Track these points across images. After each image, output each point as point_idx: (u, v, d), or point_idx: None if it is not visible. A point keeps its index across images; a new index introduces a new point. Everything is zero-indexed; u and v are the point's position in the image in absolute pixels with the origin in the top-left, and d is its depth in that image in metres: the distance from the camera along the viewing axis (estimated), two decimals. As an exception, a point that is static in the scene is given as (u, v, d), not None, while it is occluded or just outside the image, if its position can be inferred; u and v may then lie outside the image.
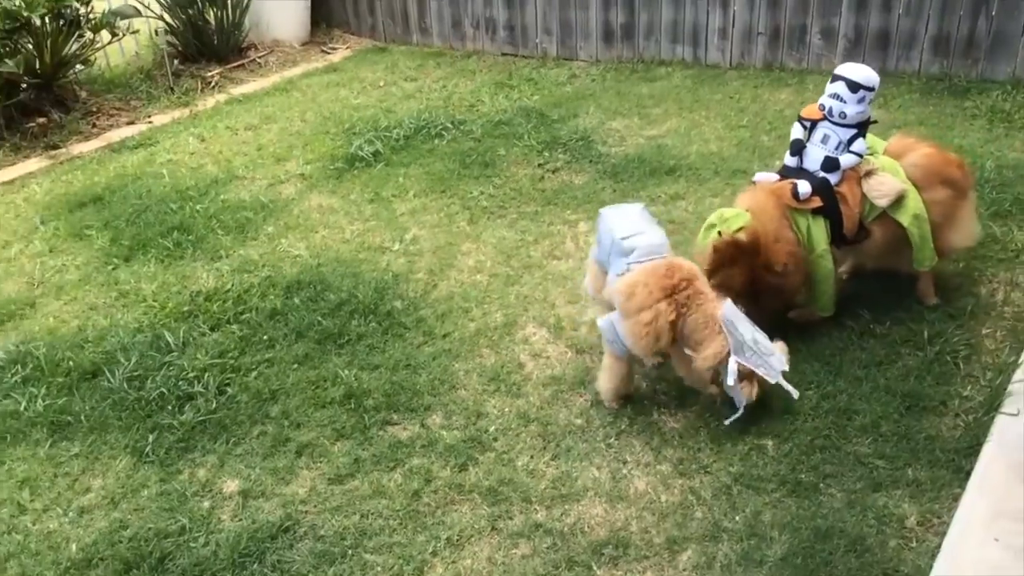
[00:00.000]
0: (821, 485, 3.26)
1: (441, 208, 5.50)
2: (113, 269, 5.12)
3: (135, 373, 4.12)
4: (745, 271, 3.65)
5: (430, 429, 3.72)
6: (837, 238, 3.88)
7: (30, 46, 6.85)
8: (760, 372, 3.45)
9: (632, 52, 7.85)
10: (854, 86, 3.77)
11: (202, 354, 4.23)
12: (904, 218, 3.82)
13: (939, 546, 2.90)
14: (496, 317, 4.39)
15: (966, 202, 3.99)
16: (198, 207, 5.72)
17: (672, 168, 5.71)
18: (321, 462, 3.59)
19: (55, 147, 6.92)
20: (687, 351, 3.49)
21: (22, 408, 3.96)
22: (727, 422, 3.52)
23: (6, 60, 6.48)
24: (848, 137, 3.84)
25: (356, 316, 4.45)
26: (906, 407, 3.54)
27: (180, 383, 4.04)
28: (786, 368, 3.50)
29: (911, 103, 6.32)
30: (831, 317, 4.03)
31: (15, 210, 5.99)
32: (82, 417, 3.90)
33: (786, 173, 3.93)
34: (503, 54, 8.41)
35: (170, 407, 3.91)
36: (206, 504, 3.43)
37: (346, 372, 4.05)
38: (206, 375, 4.07)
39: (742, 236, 3.64)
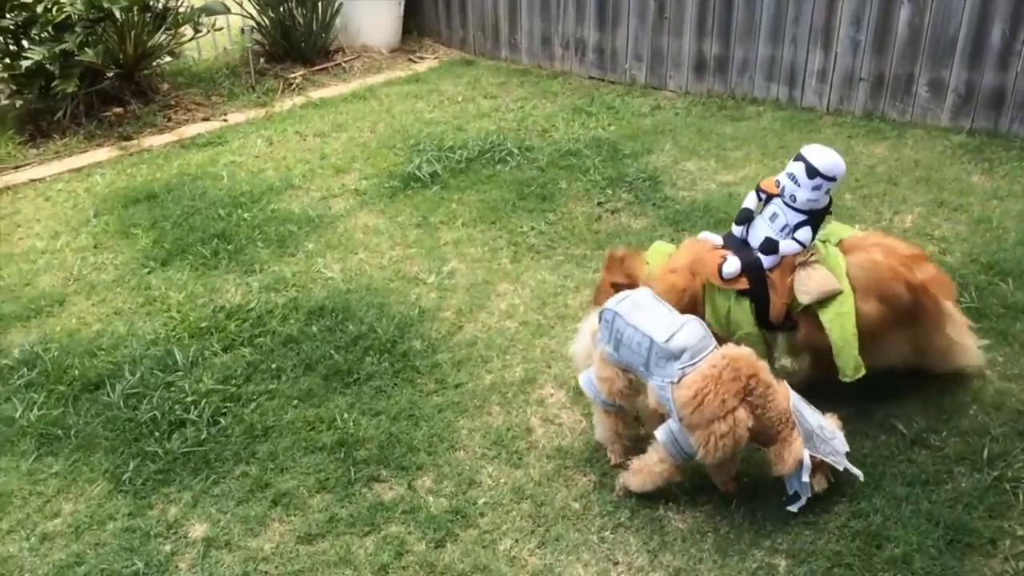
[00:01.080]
0: (831, 624, 2.85)
1: (487, 241, 5.23)
2: (148, 273, 5.04)
3: (135, 390, 4.00)
4: (607, 285, 3.69)
5: (416, 492, 3.45)
6: (763, 323, 3.58)
7: (115, 36, 6.89)
8: (829, 460, 3.15)
9: (724, 87, 7.41)
10: (812, 171, 3.40)
11: (207, 376, 4.07)
12: (825, 315, 3.45)
13: None
14: (516, 371, 4.09)
15: (915, 326, 3.55)
16: (246, 215, 5.61)
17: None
18: (295, 516, 3.36)
19: (128, 138, 6.95)
20: (759, 448, 3.17)
21: (17, 415, 3.88)
22: (794, 508, 3.16)
23: (87, 49, 6.53)
24: (796, 222, 3.50)
25: (371, 353, 4.22)
26: (948, 540, 3.08)
27: (176, 407, 3.89)
28: (847, 449, 3.20)
29: (1020, 172, 5.70)
30: (879, 421, 3.58)
31: (74, 200, 6.02)
32: (72, 433, 3.79)
33: (727, 241, 3.68)
34: (590, 77, 8.09)
35: (159, 433, 3.76)
36: (167, 548, 3.25)
37: (345, 415, 3.83)
38: (203, 401, 3.91)
39: (629, 270, 3.66)
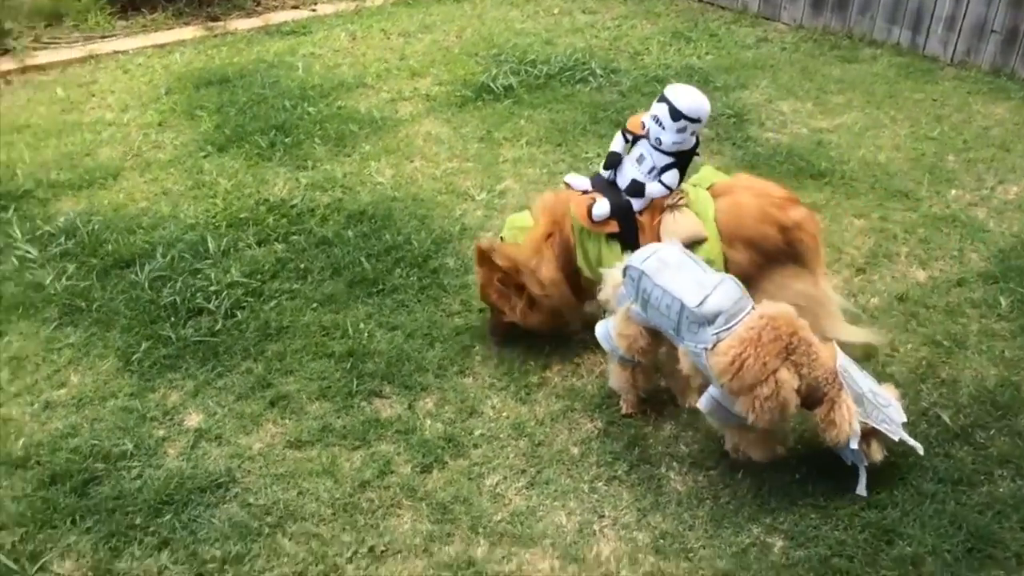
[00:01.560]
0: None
1: (548, 163, 4.99)
2: (204, 156, 5.01)
3: (162, 273, 3.99)
4: (486, 272, 3.53)
5: (415, 414, 3.34)
6: None
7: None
8: (883, 428, 2.89)
9: (841, 24, 6.84)
10: (676, 113, 3.28)
11: (235, 268, 4.03)
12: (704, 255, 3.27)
13: None
14: (545, 303, 3.89)
15: (791, 272, 3.32)
16: (311, 109, 5.50)
17: (822, 172, 4.89)
18: (289, 419, 3.30)
19: (215, 19, 6.91)
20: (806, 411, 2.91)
21: (47, 283, 3.92)
22: (862, 491, 2.92)
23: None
24: (663, 164, 3.39)
25: (402, 265, 4.10)
26: (968, 548, 2.78)
27: (197, 295, 3.86)
28: (903, 419, 2.94)
29: None
30: (925, 408, 3.26)
31: (150, 75, 6.02)
32: (94, 307, 3.81)
33: (596, 183, 3.53)
34: (699, 0, 7.59)
35: (176, 318, 3.75)
36: (160, 433, 3.24)
37: (361, 325, 3.73)
38: (225, 293, 3.87)
39: (502, 254, 3.47)
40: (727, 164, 4.97)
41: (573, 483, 3.06)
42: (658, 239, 3.32)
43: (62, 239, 4.20)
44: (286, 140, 5.14)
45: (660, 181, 3.40)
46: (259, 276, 4.00)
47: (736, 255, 3.28)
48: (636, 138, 3.47)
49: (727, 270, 3.21)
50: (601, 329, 3.23)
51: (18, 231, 4.25)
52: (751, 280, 3.21)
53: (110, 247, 4.14)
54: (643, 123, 3.42)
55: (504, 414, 3.34)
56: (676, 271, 2.97)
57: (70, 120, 5.39)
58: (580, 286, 3.52)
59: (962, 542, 2.80)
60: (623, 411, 3.32)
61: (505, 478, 3.09)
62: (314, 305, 3.85)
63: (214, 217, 4.43)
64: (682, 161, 3.43)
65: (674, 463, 3.13)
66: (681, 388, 3.33)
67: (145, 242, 4.20)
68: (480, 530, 2.89)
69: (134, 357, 3.55)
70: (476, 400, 3.40)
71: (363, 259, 4.11)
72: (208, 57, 6.29)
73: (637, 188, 3.41)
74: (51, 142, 5.14)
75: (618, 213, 3.40)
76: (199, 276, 3.98)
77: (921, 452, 2.98)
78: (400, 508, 2.97)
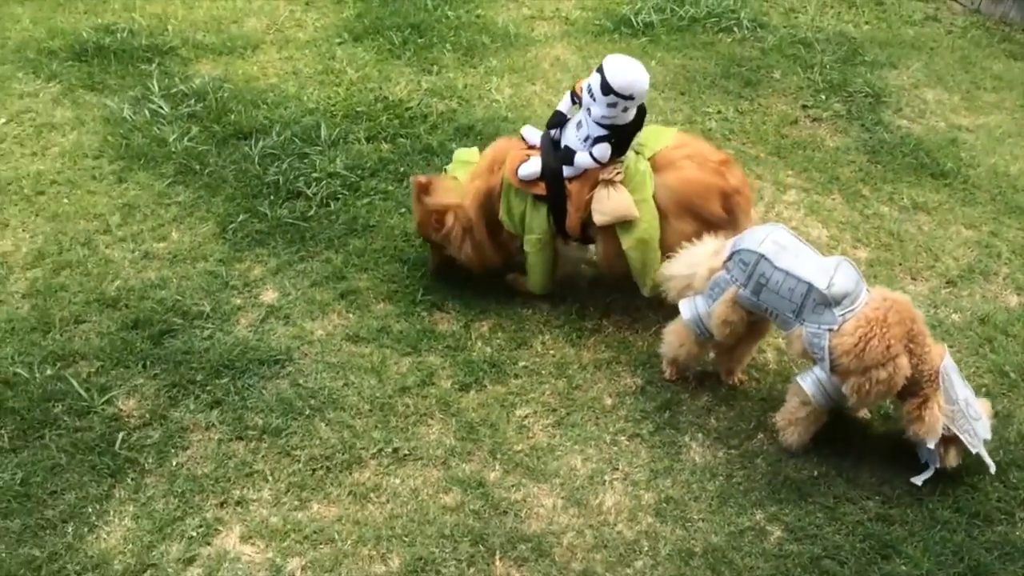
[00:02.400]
0: (789, 614, 2.71)
1: (665, 112, 4.95)
2: (339, 43, 5.19)
3: (273, 151, 4.24)
4: (420, 207, 3.47)
5: (469, 335, 3.51)
6: (560, 231, 3.44)
7: None
8: (964, 439, 2.95)
9: (1021, 15, 6.37)
10: (606, 87, 3.14)
11: (340, 160, 4.24)
12: (627, 240, 3.32)
13: None
14: (622, 251, 3.95)
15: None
16: (449, 13, 5.58)
17: (945, 172, 4.68)
18: (353, 313, 3.53)
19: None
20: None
21: (170, 139, 4.23)
22: (918, 481, 2.99)
23: None
24: (596, 135, 3.26)
25: (494, 186, 4.21)
26: (967, 583, 2.79)
27: (299, 179, 4.09)
28: (988, 436, 3.00)
29: None
30: (1000, 430, 3.21)
31: (309, -48, 6.20)
32: (206, 172, 4.10)
33: (543, 142, 3.44)
34: (876, -37, 7.17)
35: (275, 197, 4.00)
36: (236, 302, 3.53)
37: (441, 238, 3.89)
38: (325, 181, 4.09)
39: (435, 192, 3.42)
40: (848, 146, 4.83)
41: (597, 431, 3.19)
42: (586, 210, 3.34)
43: (192, 101, 4.49)
44: (419, 40, 5.27)
45: (590, 153, 3.29)
46: (359, 171, 4.20)
47: (682, 225, 3.31)
48: (581, 101, 3.34)
49: (669, 239, 3.30)
50: (689, 310, 3.19)
51: (156, 85, 4.57)
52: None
53: (233, 117, 4.42)
54: (587, 86, 3.28)
55: (551, 352, 3.47)
56: (795, 254, 2.98)
57: (226, -15, 5.66)
58: (499, 238, 3.53)
59: (959, 574, 2.80)
60: (666, 375, 3.40)
61: (535, 412, 3.24)
62: (402, 210, 4.03)
63: (333, 105, 4.64)
64: (619, 136, 3.28)
65: (699, 434, 3.21)
66: (728, 367, 3.38)
67: (265, 118, 4.45)
68: (499, 456, 3.07)
69: (230, 227, 3.83)
70: (529, 333, 3.53)
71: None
72: (367, -58, 6.41)
73: (567, 155, 3.33)
74: (204, 3, 5.42)
75: (548, 176, 3.34)
76: (305, 161, 4.21)
77: (993, 471, 3.00)
78: (431, 419, 3.18)
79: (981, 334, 3.70)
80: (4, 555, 2.65)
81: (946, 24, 6.35)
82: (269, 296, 3.57)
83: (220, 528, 2.78)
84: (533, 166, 3.34)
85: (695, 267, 3.20)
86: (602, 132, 3.25)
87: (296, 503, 2.86)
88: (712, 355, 3.43)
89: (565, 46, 5.47)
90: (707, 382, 3.41)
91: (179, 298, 3.48)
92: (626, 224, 3.31)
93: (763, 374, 3.47)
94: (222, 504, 2.84)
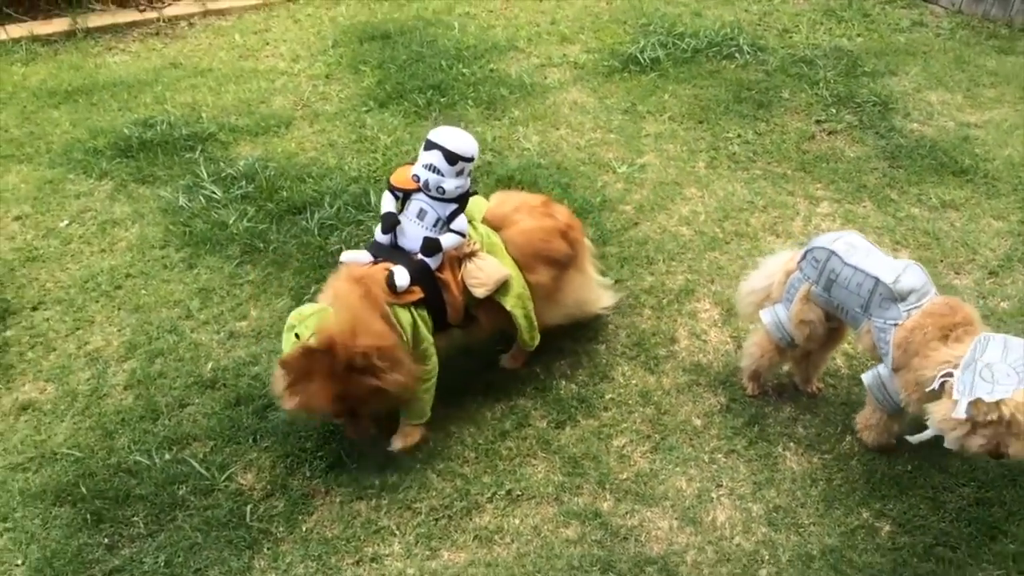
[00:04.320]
0: (913, 602, 2.84)
1: (689, 140, 5.16)
2: (366, 111, 5.38)
3: (330, 221, 4.39)
4: (327, 382, 2.91)
5: (551, 374, 3.65)
6: (441, 325, 3.31)
7: None
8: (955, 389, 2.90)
9: (1003, 11, 6.66)
10: (452, 157, 3.13)
11: (394, 222, 4.38)
12: (507, 302, 3.33)
13: None
14: (677, 279, 4.13)
15: (574, 271, 3.55)
16: (465, 71, 5.79)
17: (965, 169, 4.90)
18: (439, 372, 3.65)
19: (378, -27, 7.23)
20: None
21: (230, 222, 4.38)
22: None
23: None
24: (448, 213, 3.22)
25: (545, 231, 4.37)
26: (1071, 556, 2.94)
27: (359, 245, 4.23)
28: (988, 397, 2.84)
29: None
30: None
31: (319, 27, 6.43)
32: (271, 248, 4.24)
33: (378, 252, 3.26)
34: (855, -23, 7.48)
35: (341, 265, 4.13)
36: (326, 369, 3.65)
37: (506, 286, 4.04)
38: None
39: (313, 340, 2.89)
40: (868, 154, 5.04)
41: (694, 452, 3.33)
42: (464, 294, 3.26)
43: (243, 183, 4.64)
44: (441, 100, 5.47)
45: (451, 229, 3.23)
46: (415, 231, 4.35)
47: (539, 277, 3.38)
48: (407, 194, 3.26)
49: (533, 294, 3.39)
50: (769, 317, 3.33)
51: (204, 171, 4.72)
52: (553, 294, 3.47)
53: (284, 193, 4.57)
54: (415, 176, 3.18)
55: (633, 381, 3.62)
56: (866, 254, 3.13)
57: (247, 67, 5.85)
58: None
59: (1065, 549, 2.95)
60: (748, 391, 3.54)
61: (631, 441, 3.38)
62: (464, 263, 4.18)
63: (374, 171, 4.81)
64: (464, 204, 3.27)
65: (791, 443, 3.36)
66: (806, 376, 3.53)
67: (314, 191, 4.61)
68: (607, 486, 3.20)
69: (305, 298, 3.97)
70: (607, 366, 3.68)
71: (510, 223, 4.41)
72: (371, 11, 6.65)
73: (432, 244, 3.19)
74: (230, 87, 5.61)
75: (417, 277, 3.17)
76: (361, 227, 4.37)
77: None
78: (535, 458, 3.31)
79: (1033, 318, 3.89)
80: (165, 636, 2.75)
81: (933, 28, 6.63)
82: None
83: (361, 586, 2.89)
84: (403, 275, 3.13)
85: (771, 276, 3.38)
86: (452, 207, 3.22)
87: (427, 553, 2.98)
88: (787, 367, 3.58)
89: (579, 89, 5.69)
90: (786, 394, 3.56)
91: (273, 372, 3.59)
92: (503, 287, 3.30)
93: (837, 379, 3.63)
94: (358, 562, 2.95)
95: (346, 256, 3.27)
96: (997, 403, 2.64)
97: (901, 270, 3.05)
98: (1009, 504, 3.09)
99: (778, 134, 5.23)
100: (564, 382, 3.61)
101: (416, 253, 3.23)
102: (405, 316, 3.14)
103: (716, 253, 4.29)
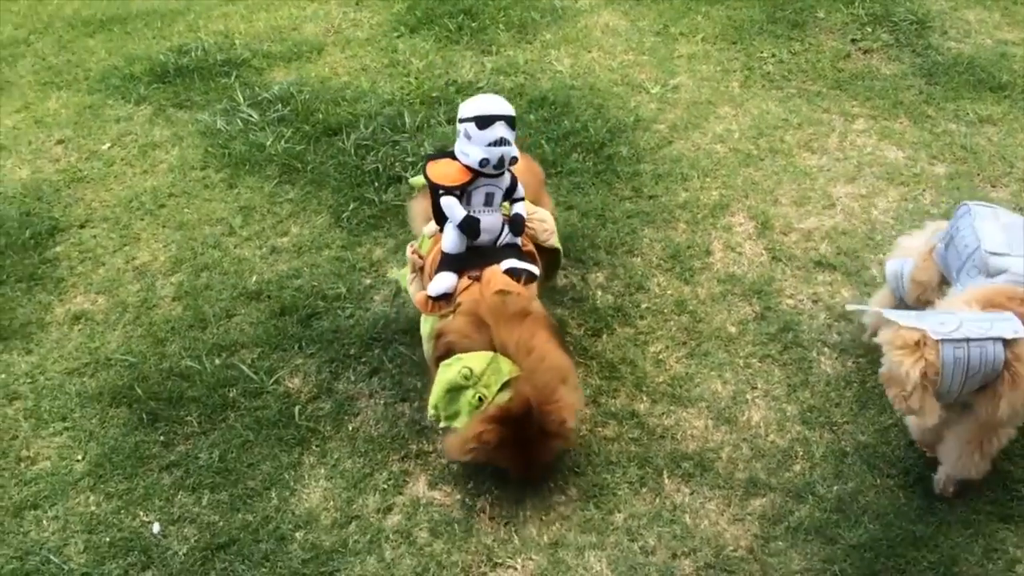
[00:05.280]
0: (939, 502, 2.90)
1: (722, 61, 5.13)
2: (397, 36, 5.39)
3: (365, 142, 4.44)
4: (512, 451, 2.77)
5: (588, 285, 3.71)
6: None
7: None
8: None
9: (1043, -71, 6.49)
10: (513, 121, 2.95)
11: (428, 142, 4.44)
12: (557, 242, 3.33)
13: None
14: (712, 194, 4.15)
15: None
16: (496, -7, 5.76)
17: (1003, 85, 4.84)
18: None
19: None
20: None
21: (268, 144, 4.44)
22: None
23: None
24: (508, 184, 3.04)
25: (579, 150, 4.41)
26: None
27: (396, 164, 4.30)
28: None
29: None
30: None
31: (349, -46, 6.40)
32: (308, 168, 4.31)
33: (462, 263, 3.02)
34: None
35: (378, 183, 4.21)
36: (367, 281, 3.74)
37: (541, 202, 4.08)
38: (420, 164, 4.28)
39: (509, 404, 2.70)
40: (905, 71, 5.00)
41: (729, 357, 3.39)
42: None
43: (278, 106, 4.70)
44: (472, 24, 5.46)
45: (516, 198, 3.09)
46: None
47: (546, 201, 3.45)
48: (463, 187, 2.98)
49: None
50: (892, 267, 3.16)
51: (240, 96, 4.78)
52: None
53: (320, 116, 4.62)
54: (465, 166, 2.94)
55: (668, 292, 3.67)
56: (1000, 226, 2.81)
57: (277, -5, 5.87)
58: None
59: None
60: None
61: (667, 347, 3.44)
62: (499, 181, 4.22)
63: (408, 94, 4.84)
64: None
65: (825, 348, 3.40)
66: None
67: (349, 113, 4.66)
68: (643, 388, 3.27)
69: (343, 215, 4.04)
70: (643, 277, 3.73)
71: (543, 142, 4.44)
72: (399, -61, 6.61)
73: (521, 221, 3.07)
74: (261, 15, 5.63)
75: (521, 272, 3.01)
76: (397, 147, 4.42)
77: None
78: (574, 363, 3.38)
79: (1070, 227, 3.87)
80: (222, 522, 2.88)
81: (971, -53, 6.47)
82: (395, 273, 3.77)
83: (407, 479, 2.99)
84: (446, 280, 2.99)
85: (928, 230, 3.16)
86: (510, 174, 3.06)
87: (470, 450, 3.07)
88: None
89: (611, 12, 5.64)
90: (820, 302, 3.60)
91: (315, 284, 3.69)
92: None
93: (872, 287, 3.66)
94: (403, 458, 3.05)
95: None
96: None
97: (1015, 252, 2.72)
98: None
99: (813, 53, 5.18)
100: (600, 292, 3.67)
101: (506, 237, 3.08)
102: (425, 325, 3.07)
103: (751, 169, 4.30)
